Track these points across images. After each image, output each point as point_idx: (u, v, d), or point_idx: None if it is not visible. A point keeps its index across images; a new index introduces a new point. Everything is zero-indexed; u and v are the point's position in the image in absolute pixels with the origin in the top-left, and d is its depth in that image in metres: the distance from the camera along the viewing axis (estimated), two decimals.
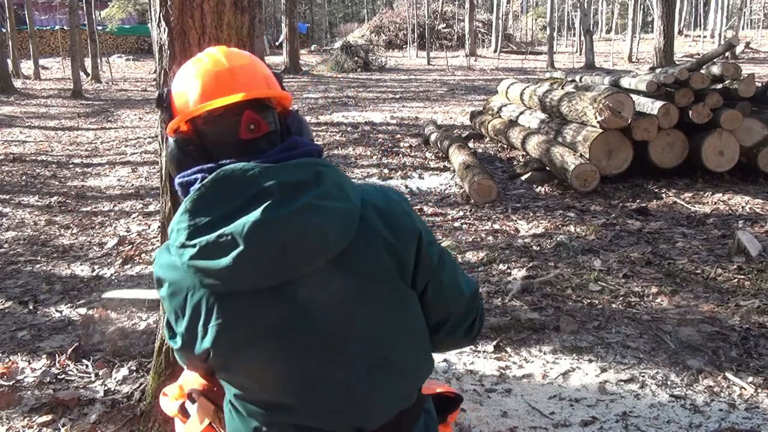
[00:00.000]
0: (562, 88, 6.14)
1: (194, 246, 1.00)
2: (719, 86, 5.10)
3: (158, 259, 1.09)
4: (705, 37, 26.93)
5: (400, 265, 1.07)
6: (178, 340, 1.08)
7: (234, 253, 0.97)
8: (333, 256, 1.02)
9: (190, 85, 1.12)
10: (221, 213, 1.00)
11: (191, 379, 1.27)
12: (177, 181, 1.09)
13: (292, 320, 1.02)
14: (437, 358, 2.43)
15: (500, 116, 7.24)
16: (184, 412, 1.26)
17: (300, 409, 1.05)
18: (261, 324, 1.02)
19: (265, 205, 0.98)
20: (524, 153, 6.05)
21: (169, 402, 1.29)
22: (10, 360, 2.51)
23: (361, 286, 1.05)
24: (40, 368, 2.42)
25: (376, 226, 1.06)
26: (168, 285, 1.06)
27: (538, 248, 3.69)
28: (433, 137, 7.10)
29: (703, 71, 5.15)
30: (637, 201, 4.61)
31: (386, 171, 6.04)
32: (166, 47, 1.73)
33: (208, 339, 1.03)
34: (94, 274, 3.54)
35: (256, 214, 0.97)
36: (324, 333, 1.04)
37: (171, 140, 1.12)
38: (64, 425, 2.04)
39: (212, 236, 0.98)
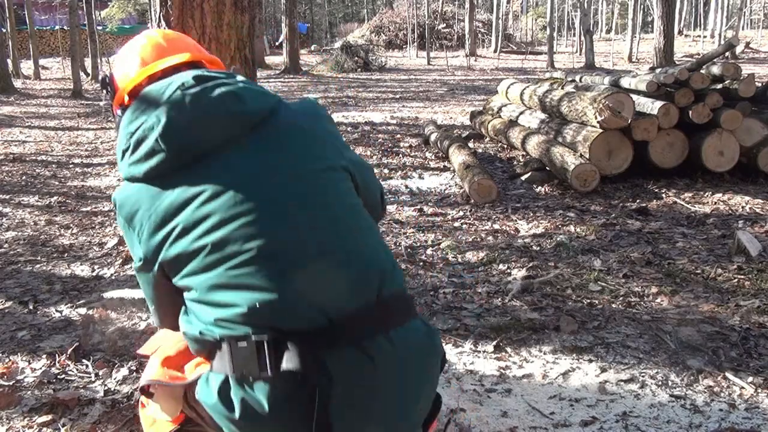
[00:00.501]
0: (562, 88, 6.14)
1: (128, 148, 1.14)
2: (719, 86, 5.10)
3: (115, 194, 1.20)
4: (705, 37, 26.93)
5: (323, 149, 1.18)
6: (144, 255, 1.15)
7: (159, 127, 1.10)
8: (254, 121, 1.13)
9: (129, 61, 1.25)
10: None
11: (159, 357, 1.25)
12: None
13: (235, 187, 1.09)
14: None
15: (500, 116, 7.24)
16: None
17: (265, 290, 1.06)
18: (209, 193, 1.09)
19: (181, 89, 1.13)
20: (524, 153, 6.06)
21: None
22: (10, 360, 2.51)
23: (293, 159, 1.13)
24: (40, 368, 2.42)
25: (298, 116, 1.19)
26: (124, 205, 1.16)
27: (538, 248, 3.69)
28: (433, 137, 7.10)
29: (703, 71, 5.15)
30: (637, 201, 4.61)
31: (386, 171, 6.04)
32: None
33: (167, 229, 1.10)
34: (94, 274, 3.54)
35: (173, 95, 1.12)
36: (266, 198, 1.10)
37: (118, 113, 1.23)
38: (64, 425, 2.04)
39: (138, 130, 1.13)
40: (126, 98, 1.23)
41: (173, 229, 1.10)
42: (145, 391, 1.22)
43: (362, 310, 1.08)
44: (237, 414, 1.03)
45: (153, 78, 1.21)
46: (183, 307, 1.16)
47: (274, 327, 1.04)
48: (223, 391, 1.05)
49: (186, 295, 1.13)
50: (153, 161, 1.11)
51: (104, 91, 1.28)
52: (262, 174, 1.11)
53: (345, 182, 1.19)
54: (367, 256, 1.14)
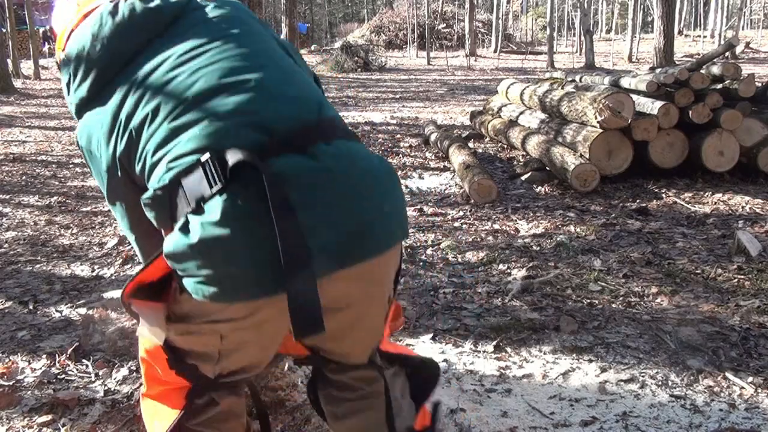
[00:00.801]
0: (562, 88, 6.14)
1: (69, 79, 1.24)
2: (719, 86, 5.10)
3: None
4: (705, 37, 26.94)
5: (250, 26, 1.28)
6: (107, 165, 1.21)
7: (86, 48, 1.20)
8: (167, 19, 1.23)
9: (66, 8, 1.34)
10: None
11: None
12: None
13: (167, 62, 1.18)
14: (437, 358, 2.43)
15: (500, 116, 7.24)
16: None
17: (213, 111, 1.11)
18: (141, 78, 1.17)
19: (101, 12, 1.23)
20: (524, 153, 6.06)
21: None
22: (10, 360, 2.51)
23: (218, 30, 1.23)
24: (40, 368, 2.42)
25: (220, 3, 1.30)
26: (82, 137, 1.24)
27: (538, 248, 3.69)
28: (433, 137, 7.10)
29: (703, 71, 5.15)
30: (637, 201, 4.61)
31: None
32: None
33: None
34: (94, 274, 3.54)
35: (95, 19, 1.23)
36: (197, 56, 1.18)
37: (62, 68, 1.30)
38: (64, 425, 2.04)
39: (72, 60, 1.23)
40: (65, 43, 1.32)
41: (119, 123, 1.17)
42: (129, 307, 1.21)
43: (303, 128, 1.12)
44: (198, 235, 1.02)
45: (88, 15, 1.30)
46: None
47: (218, 149, 1.06)
48: (184, 229, 1.06)
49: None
50: (89, 80, 1.21)
51: (47, 44, 1.37)
52: (190, 46, 1.20)
53: (280, 49, 1.29)
54: (305, 88, 1.23)
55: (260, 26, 1.31)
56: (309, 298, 1.03)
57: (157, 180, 1.10)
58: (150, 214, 1.14)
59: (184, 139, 1.08)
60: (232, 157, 1.03)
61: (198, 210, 1.04)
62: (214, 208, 1.02)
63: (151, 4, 1.23)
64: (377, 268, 1.16)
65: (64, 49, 1.30)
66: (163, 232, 1.15)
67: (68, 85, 1.26)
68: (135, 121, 1.14)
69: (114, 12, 1.23)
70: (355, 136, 1.20)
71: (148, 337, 1.20)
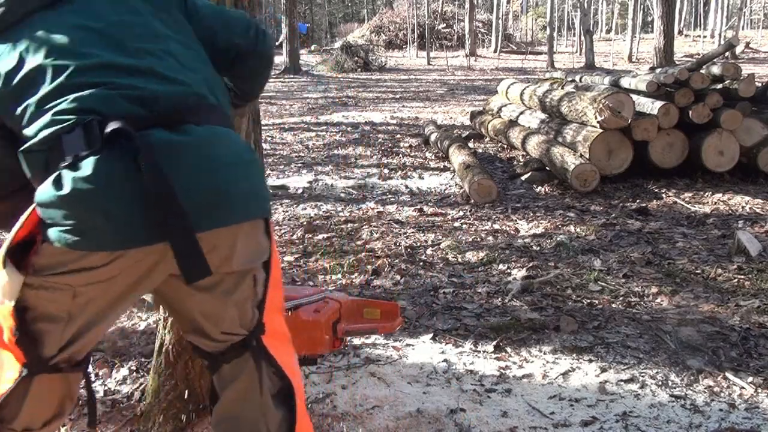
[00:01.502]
0: (562, 88, 6.14)
1: None
2: (719, 86, 5.10)
3: None
4: (705, 37, 26.94)
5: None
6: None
7: None
8: None
9: None
10: None
11: None
12: None
13: (53, 29, 1.23)
14: (437, 358, 2.44)
15: (500, 116, 7.24)
16: None
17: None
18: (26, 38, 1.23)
19: None
20: (524, 153, 6.06)
21: None
22: None
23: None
24: None
25: None
26: None
27: (538, 248, 3.69)
28: (433, 137, 7.11)
29: (703, 71, 5.15)
30: (637, 201, 4.61)
31: (386, 171, 6.05)
32: None
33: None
34: None
35: None
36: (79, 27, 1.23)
37: None
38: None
39: None
40: None
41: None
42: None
43: (182, 109, 1.22)
44: (69, 187, 1.10)
45: None
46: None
47: (101, 114, 1.15)
48: (56, 182, 1.12)
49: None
50: None
51: None
52: (95, 15, 1.26)
53: (162, 13, 1.33)
54: (195, 74, 1.29)
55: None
56: (192, 244, 1.14)
57: (35, 130, 1.17)
58: (24, 164, 1.21)
59: (70, 98, 1.16)
60: (112, 124, 1.13)
61: (73, 166, 1.12)
62: (88, 165, 1.11)
63: None
64: (228, 239, 1.23)
65: None
66: (34, 183, 1.21)
67: None
68: (21, 70, 1.20)
69: None
70: (229, 125, 1.31)
71: (2, 296, 1.22)
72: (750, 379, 2.23)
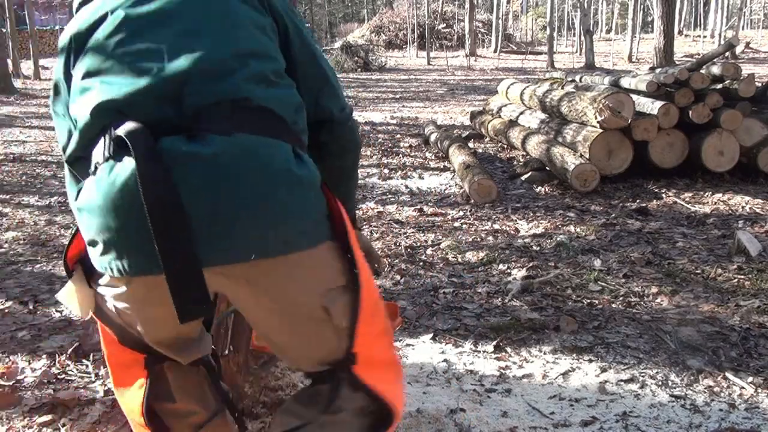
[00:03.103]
0: (562, 88, 6.14)
1: None
2: (719, 86, 5.10)
3: None
4: (705, 37, 26.94)
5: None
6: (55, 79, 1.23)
7: None
8: None
9: None
10: None
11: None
12: None
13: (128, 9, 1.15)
14: (437, 358, 2.44)
15: (500, 116, 7.24)
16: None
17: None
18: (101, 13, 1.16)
19: None
20: (524, 153, 6.06)
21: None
22: (10, 360, 2.51)
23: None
24: (40, 368, 2.42)
25: None
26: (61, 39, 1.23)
27: (538, 248, 3.69)
28: (433, 137, 7.10)
29: (703, 71, 5.15)
30: (637, 201, 4.61)
31: (386, 171, 6.05)
32: None
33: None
34: None
35: None
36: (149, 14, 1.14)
37: None
38: (64, 425, 2.04)
39: None
40: None
41: (71, 42, 1.18)
42: (69, 269, 1.20)
43: (208, 108, 1.07)
44: (82, 199, 1.06)
45: None
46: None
47: (122, 114, 1.06)
48: (79, 191, 1.10)
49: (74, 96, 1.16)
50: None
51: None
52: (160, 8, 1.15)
53: (250, 11, 1.18)
54: (237, 63, 1.11)
55: None
56: (190, 279, 1.00)
57: (81, 125, 1.12)
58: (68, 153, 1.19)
59: (100, 98, 1.08)
60: (127, 127, 1.03)
61: (92, 173, 1.07)
62: (100, 175, 1.04)
63: None
64: (263, 277, 1.09)
65: None
66: None
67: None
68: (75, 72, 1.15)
69: None
70: (270, 131, 1.10)
71: (80, 307, 1.20)
72: (750, 379, 2.23)
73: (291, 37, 1.22)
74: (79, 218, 1.09)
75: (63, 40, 1.21)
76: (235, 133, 1.05)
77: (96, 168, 1.06)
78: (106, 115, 1.07)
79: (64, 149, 1.21)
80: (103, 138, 1.07)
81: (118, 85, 1.08)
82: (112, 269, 1.06)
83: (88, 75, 1.12)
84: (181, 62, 1.08)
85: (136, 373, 1.29)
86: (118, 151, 1.03)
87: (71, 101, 1.15)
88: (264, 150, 1.07)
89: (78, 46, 1.16)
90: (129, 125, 1.03)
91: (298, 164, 1.10)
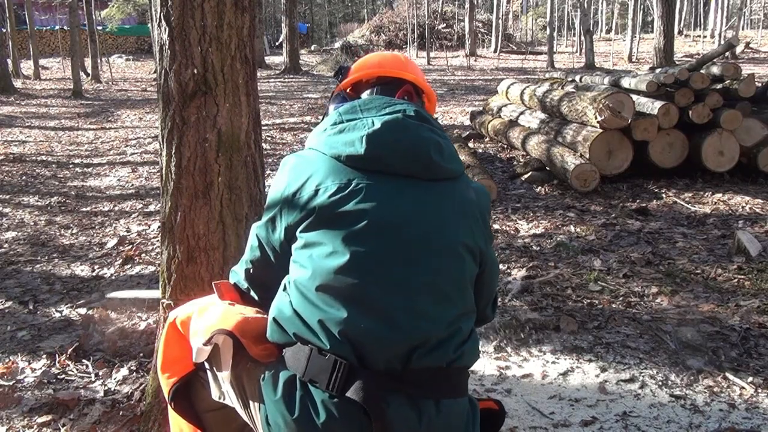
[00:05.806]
0: (562, 88, 6.14)
1: (335, 125, 1.24)
2: (719, 86, 5.10)
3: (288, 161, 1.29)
4: (705, 37, 26.92)
5: (472, 228, 1.25)
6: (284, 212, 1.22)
7: (369, 129, 1.19)
8: (439, 176, 1.22)
9: (371, 61, 1.47)
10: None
11: (216, 316, 1.29)
12: (331, 107, 1.40)
13: (390, 213, 1.17)
14: None
15: (500, 116, 7.24)
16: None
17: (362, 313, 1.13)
18: (367, 201, 1.16)
19: (402, 114, 1.23)
20: (524, 153, 6.05)
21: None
22: (10, 360, 2.51)
23: (443, 222, 1.20)
24: (40, 368, 2.42)
25: (471, 192, 1.28)
26: (301, 157, 1.26)
27: (538, 248, 3.69)
28: None
29: (703, 71, 5.15)
30: (637, 201, 4.61)
31: None
32: (167, 47, 1.73)
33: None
34: (94, 274, 3.54)
35: (394, 115, 1.23)
36: (404, 241, 1.17)
37: (337, 94, 1.43)
38: (64, 425, 2.04)
39: (352, 120, 1.23)
40: (350, 87, 1.44)
41: (327, 204, 1.17)
42: (209, 341, 1.25)
43: (430, 371, 1.14)
44: (296, 413, 1.09)
45: (382, 80, 1.40)
46: (283, 284, 1.22)
47: (358, 353, 1.11)
48: (287, 390, 1.11)
49: (296, 275, 1.18)
50: (346, 149, 1.20)
51: (337, 77, 1.48)
52: (413, 216, 1.18)
53: (468, 264, 1.24)
54: (454, 325, 1.20)
55: (480, 232, 1.28)
56: None
57: (300, 321, 1.15)
58: (274, 313, 1.20)
59: (344, 315, 1.11)
60: (358, 377, 1.09)
61: (308, 386, 1.11)
62: (320, 404, 1.09)
63: (441, 158, 1.23)
64: None
65: (343, 90, 1.41)
66: (269, 333, 1.22)
67: (327, 127, 1.26)
68: (344, 225, 1.16)
69: (412, 128, 1.22)
70: (465, 390, 1.22)
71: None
72: (750, 379, 2.23)
73: (486, 275, 1.31)
74: (268, 398, 1.15)
75: None
76: (442, 399, 1.15)
77: (311, 381, 1.13)
78: (347, 339, 1.14)
79: None
80: (332, 364, 1.12)
81: (375, 321, 1.14)
82: None
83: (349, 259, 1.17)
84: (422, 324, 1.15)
85: None
86: (342, 393, 1.11)
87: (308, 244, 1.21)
88: (456, 421, 1.18)
89: None
90: (369, 381, 1.10)
91: (474, 421, 1.22)
